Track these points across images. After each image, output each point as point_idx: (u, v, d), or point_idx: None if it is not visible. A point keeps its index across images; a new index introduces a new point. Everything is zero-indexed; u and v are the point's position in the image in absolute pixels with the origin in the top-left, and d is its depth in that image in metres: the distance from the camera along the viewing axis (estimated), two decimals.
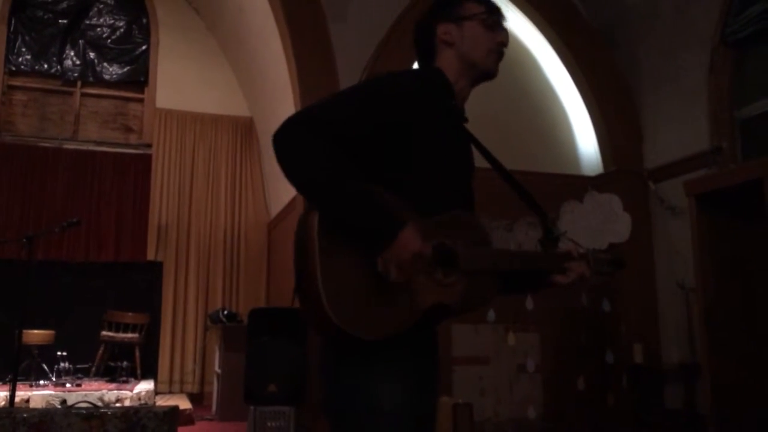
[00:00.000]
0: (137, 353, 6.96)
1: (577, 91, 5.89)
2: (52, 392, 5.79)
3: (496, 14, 1.67)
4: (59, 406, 5.08)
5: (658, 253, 5.58)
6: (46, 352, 6.50)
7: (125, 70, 7.95)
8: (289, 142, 1.38)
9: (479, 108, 5.94)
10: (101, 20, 8.01)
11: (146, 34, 8.08)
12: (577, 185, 5.64)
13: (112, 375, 6.66)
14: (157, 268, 7.47)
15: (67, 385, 6.10)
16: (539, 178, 5.62)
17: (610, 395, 5.34)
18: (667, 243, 5.49)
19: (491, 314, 5.09)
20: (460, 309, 1.47)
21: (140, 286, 7.44)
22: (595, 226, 5.43)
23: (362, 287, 1.34)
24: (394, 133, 1.47)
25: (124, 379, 6.57)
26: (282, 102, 5.99)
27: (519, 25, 5.90)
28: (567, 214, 5.44)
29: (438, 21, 1.67)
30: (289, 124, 1.39)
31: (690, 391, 5.04)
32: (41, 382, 6.24)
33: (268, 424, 4.73)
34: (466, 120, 1.72)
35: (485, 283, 1.51)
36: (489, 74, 1.71)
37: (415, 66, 1.80)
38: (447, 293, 1.43)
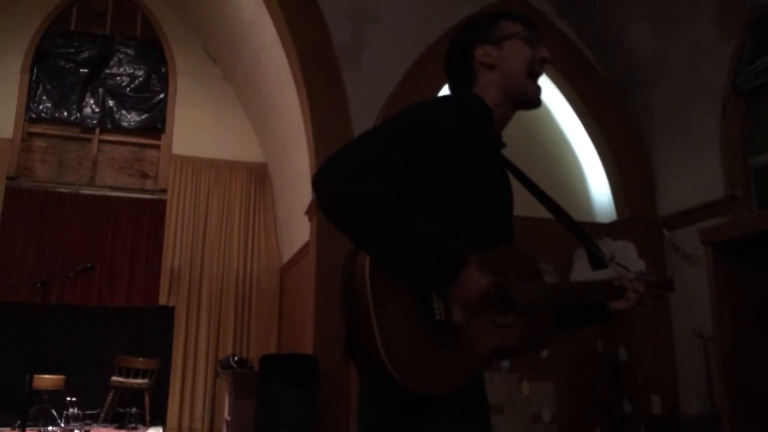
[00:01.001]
0: (147, 399, 6.90)
1: (590, 140, 5.92)
2: None
3: (535, 30, 1.55)
4: None
5: (675, 300, 5.51)
6: (56, 398, 6.47)
7: (143, 117, 8.11)
8: (334, 183, 1.24)
9: None
10: (121, 69, 8.21)
11: (164, 82, 8.26)
12: (591, 232, 5.59)
13: (121, 421, 6.60)
14: (168, 312, 7.46)
15: (76, 431, 6.05)
16: (552, 224, 5.59)
17: None
18: (683, 291, 5.42)
19: (505, 363, 5.02)
20: (522, 351, 1.36)
21: (152, 331, 7.43)
22: (609, 274, 5.37)
23: (419, 338, 1.21)
24: (440, 161, 1.35)
25: (133, 425, 6.50)
26: (296, 148, 6.07)
27: None
28: (580, 261, 5.40)
29: (476, 44, 1.54)
30: (332, 163, 1.26)
31: None
32: (50, 428, 6.19)
33: None
34: (504, 145, 1.59)
35: (542, 321, 1.41)
36: (531, 103, 1.58)
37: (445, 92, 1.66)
38: (507, 335, 1.32)
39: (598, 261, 1.67)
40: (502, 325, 1.31)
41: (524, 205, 6.15)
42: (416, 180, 1.34)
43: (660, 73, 5.64)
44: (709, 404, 4.99)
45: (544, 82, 5.96)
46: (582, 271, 5.37)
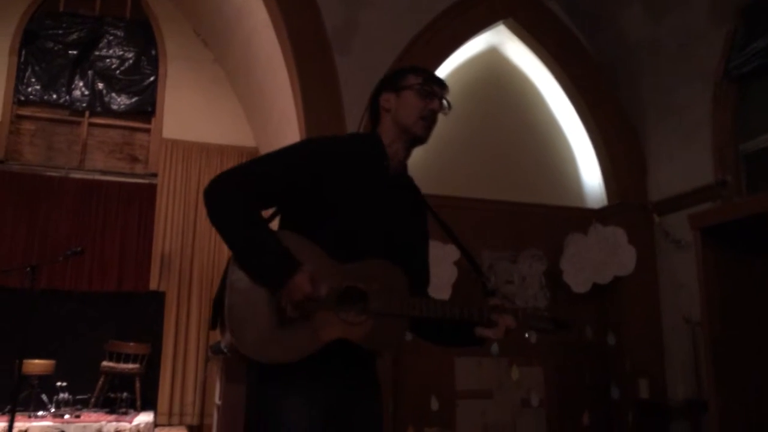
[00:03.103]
0: (137, 384, 6.90)
1: (581, 124, 5.92)
2: (51, 423, 5.73)
3: (433, 84, 1.86)
4: None
5: (663, 286, 5.54)
6: (45, 383, 6.45)
7: (133, 100, 8.03)
8: (212, 194, 1.65)
9: (484, 140, 5.98)
10: (111, 52, 8.11)
11: (154, 65, 8.18)
12: (581, 218, 5.63)
13: (112, 406, 6.60)
14: (159, 297, 7.45)
15: (66, 416, 6.05)
16: (543, 210, 5.62)
17: (616, 431, 5.25)
18: (672, 276, 5.45)
19: (495, 348, 5.04)
20: (366, 347, 1.64)
21: (142, 316, 7.41)
22: (600, 259, 5.40)
23: (266, 319, 1.59)
24: (308, 188, 1.69)
25: (124, 410, 6.50)
26: (287, 132, 6.03)
27: (523, 58, 5.96)
28: (571, 246, 5.42)
29: (382, 91, 1.90)
30: (215, 180, 1.67)
31: (696, 427, 4.96)
32: (40, 413, 6.18)
33: None
34: (406, 179, 1.92)
35: (394, 327, 1.67)
36: (418, 138, 1.86)
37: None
38: (352, 331, 1.62)
39: (487, 291, 1.88)
40: (350, 322, 1.62)
41: (515, 190, 6.10)
42: (295, 199, 1.71)
43: (652, 57, 5.63)
44: (696, 389, 5.04)
45: (537, 66, 5.95)
46: (572, 257, 5.38)
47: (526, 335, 1.88)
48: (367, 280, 1.65)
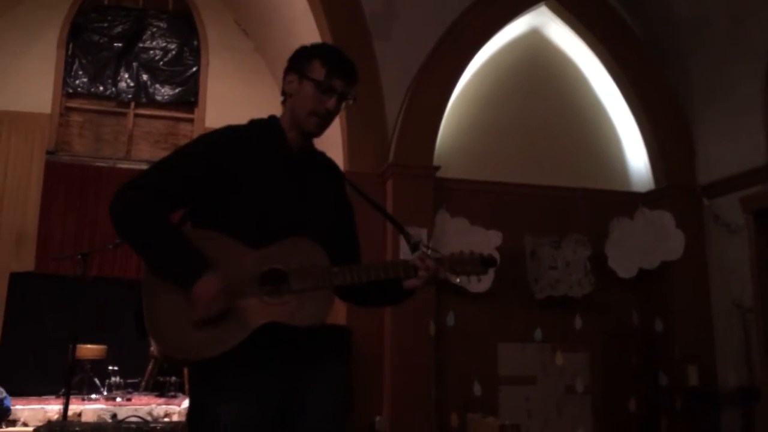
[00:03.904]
0: (185, 369, 7.06)
1: (627, 106, 5.77)
2: (104, 406, 5.92)
3: (335, 78, 1.78)
4: (110, 421, 5.18)
5: (713, 271, 5.40)
6: (98, 367, 6.66)
7: (176, 91, 8.17)
8: (116, 206, 1.65)
9: (527, 124, 5.91)
10: (154, 43, 8.27)
11: (197, 55, 8.29)
12: (627, 202, 5.51)
13: (161, 390, 6.77)
14: None
15: (118, 399, 6.24)
16: (587, 194, 5.52)
17: (664, 419, 5.16)
18: (722, 261, 5.31)
19: (538, 333, 5.00)
20: (295, 324, 1.64)
21: None
22: (646, 244, 5.29)
23: (184, 319, 1.58)
24: (210, 181, 1.69)
25: (173, 394, 6.67)
26: None
27: (565, 39, 5.84)
28: (616, 231, 5.32)
29: (289, 69, 1.84)
30: (119, 191, 1.67)
31: (748, 415, 4.84)
32: (93, 396, 6.39)
33: None
34: (314, 156, 1.88)
35: (318, 300, 1.68)
36: (307, 133, 1.82)
37: None
38: (278, 312, 1.63)
39: (412, 247, 1.89)
40: (275, 303, 1.63)
41: (558, 174, 6.03)
42: (196, 196, 1.71)
43: (700, 34, 5.45)
44: (748, 376, 4.91)
45: (580, 47, 5.82)
46: (617, 242, 5.28)
47: (458, 281, 1.88)
48: (286, 260, 1.66)
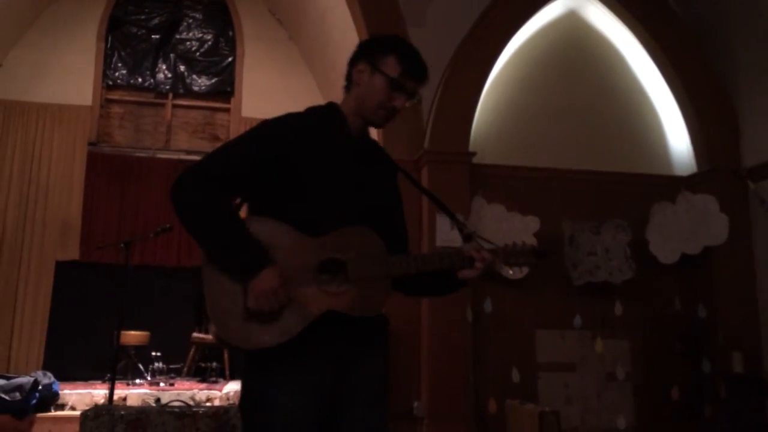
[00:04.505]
0: (225, 355, 7.18)
1: (668, 87, 5.63)
2: (148, 391, 6.06)
3: (409, 79, 1.79)
4: (154, 405, 5.30)
5: (759, 256, 5.25)
6: (141, 353, 6.81)
7: (213, 81, 8.25)
8: (177, 193, 1.64)
9: (565, 108, 5.81)
10: (190, 34, 8.36)
11: (232, 46, 8.36)
12: (669, 186, 5.39)
13: (203, 375, 6.90)
14: None
15: (161, 384, 6.37)
16: (628, 178, 5.42)
17: (708, 406, 5.07)
18: None
19: (578, 320, 4.94)
20: (353, 314, 1.66)
21: None
22: (689, 229, 5.17)
23: (244, 307, 1.60)
24: (273, 168, 1.69)
25: (214, 379, 6.79)
26: None
27: (603, 19, 5.71)
28: (657, 216, 5.21)
29: (361, 57, 1.83)
30: (182, 177, 1.65)
31: None
32: (137, 381, 6.54)
33: None
34: (370, 144, 1.89)
35: (376, 290, 1.70)
36: (373, 124, 1.85)
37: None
38: (338, 301, 1.64)
39: (465, 236, 1.88)
40: (334, 293, 1.65)
41: (597, 159, 5.91)
42: (260, 183, 1.70)
43: (746, 12, 5.27)
44: None
45: (618, 28, 5.69)
46: (659, 226, 5.18)
47: (511, 272, 1.88)
48: (344, 249, 1.66)
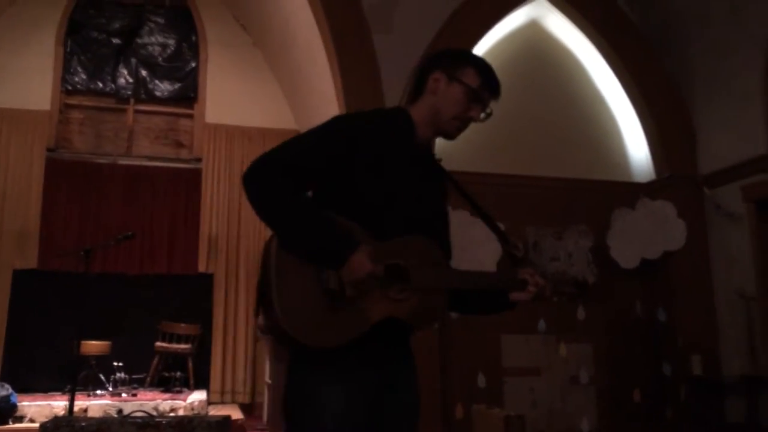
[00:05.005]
0: (190, 364, 7.09)
1: (626, 96, 5.77)
2: (109, 402, 5.94)
3: (486, 92, 1.79)
4: (116, 416, 5.20)
5: (716, 260, 5.40)
6: (103, 363, 6.67)
7: (176, 87, 8.15)
8: (254, 181, 1.60)
9: (527, 116, 5.88)
10: (152, 39, 8.24)
11: (195, 51, 8.27)
12: (629, 192, 5.51)
13: (167, 385, 6.79)
14: (207, 279, 7.60)
15: (123, 395, 6.25)
16: (588, 185, 5.52)
17: (669, 408, 5.18)
18: (724, 250, 5.31)
19: (542, 324, 5.01)
20: (412, 323, 1.64)
21: (192, 297, 7.59)
22: (648, 234, 5.29)
23: (314, 302, 1.54)
24: (345, 164, 1.65)
25: (178, 389, 6.69)
26: (328, 114, 6.02)
27: (564, 30, 5.82)
28: (618, 222, 5.32)
29: (437, 67, 1.81)
30: (255, 165, 1.61)
31: (752, 404, 4.85)
32: (98, 391, 6.41)
33: None
34: (433, 159, 1.89)
35: (436, 300, 1.68)
36: (445, 135, 1.85)
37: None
38: (398, 308, 1.61)
39: (515, 260, 1.98)
40: (395, 299, 1.60)
41: (559, 166, 6.00)
42: (331, 179, 1.66)
43: (700, 23, 5.44)
44: (752, 365, 4.92)
45: (578, 38, 5.80)
46: (619, 232, 5.28)
47: (555, 300, 1.88)
48: (406, 256, 1.63)
